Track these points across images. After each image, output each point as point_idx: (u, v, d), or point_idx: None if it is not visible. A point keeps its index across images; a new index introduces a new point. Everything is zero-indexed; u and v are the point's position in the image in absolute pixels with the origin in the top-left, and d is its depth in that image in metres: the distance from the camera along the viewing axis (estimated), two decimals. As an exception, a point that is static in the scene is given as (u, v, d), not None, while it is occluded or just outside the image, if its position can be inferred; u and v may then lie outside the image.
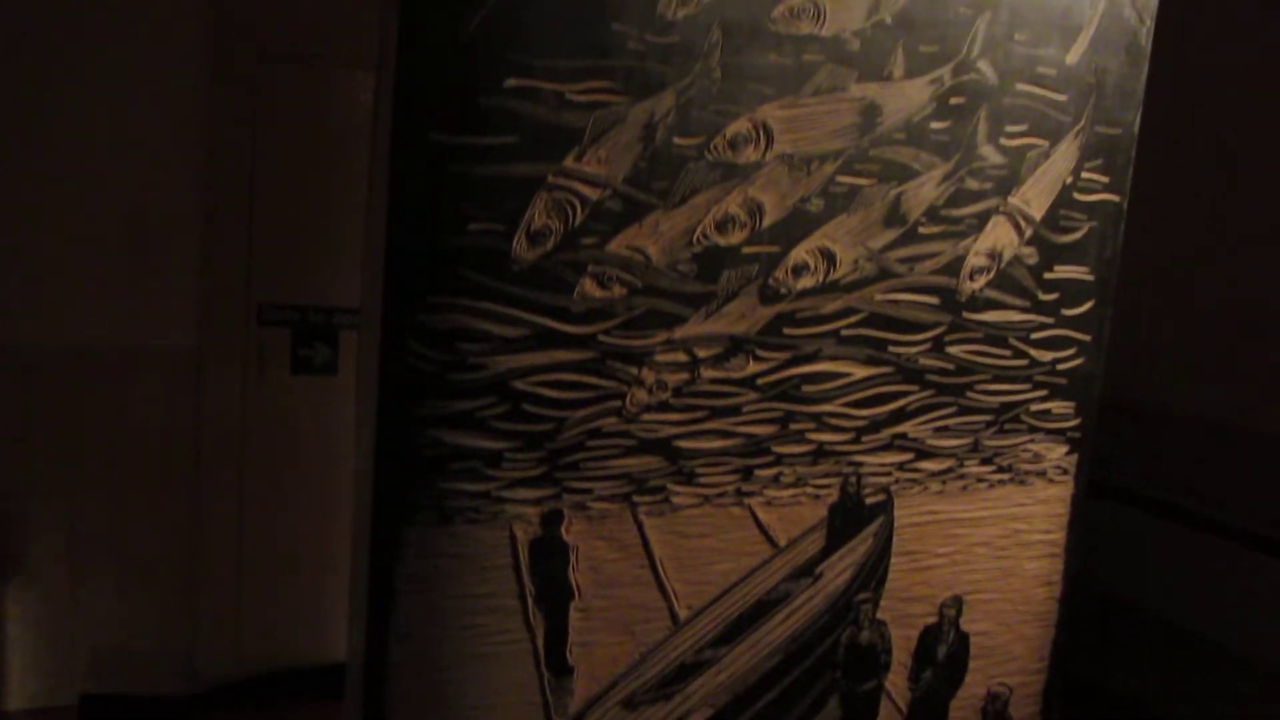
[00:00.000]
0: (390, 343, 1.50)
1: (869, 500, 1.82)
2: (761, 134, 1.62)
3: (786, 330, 1.70)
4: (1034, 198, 1.84)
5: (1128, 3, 1.86)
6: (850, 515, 1.81)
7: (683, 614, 1.71)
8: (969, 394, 1.86)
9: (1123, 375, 2.45)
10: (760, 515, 1.74)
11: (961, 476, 1.89)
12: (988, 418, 1.89)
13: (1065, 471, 1.99)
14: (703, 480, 1.69)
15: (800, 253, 1.68)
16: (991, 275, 1.84)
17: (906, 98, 1.70)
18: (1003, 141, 1.80)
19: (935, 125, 1.73)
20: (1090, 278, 1.93)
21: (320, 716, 2.72)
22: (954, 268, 1.80)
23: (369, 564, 1.55)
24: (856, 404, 1.78)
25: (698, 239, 1.61)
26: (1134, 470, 2.89)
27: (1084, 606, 2.18)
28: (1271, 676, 2.52)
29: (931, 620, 1.92)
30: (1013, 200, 1.83)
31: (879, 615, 1.87)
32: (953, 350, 1.83)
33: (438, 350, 1.50)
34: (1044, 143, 1.83)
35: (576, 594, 1.63)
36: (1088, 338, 1.95)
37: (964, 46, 1.73)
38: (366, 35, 2.72)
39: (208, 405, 2.82)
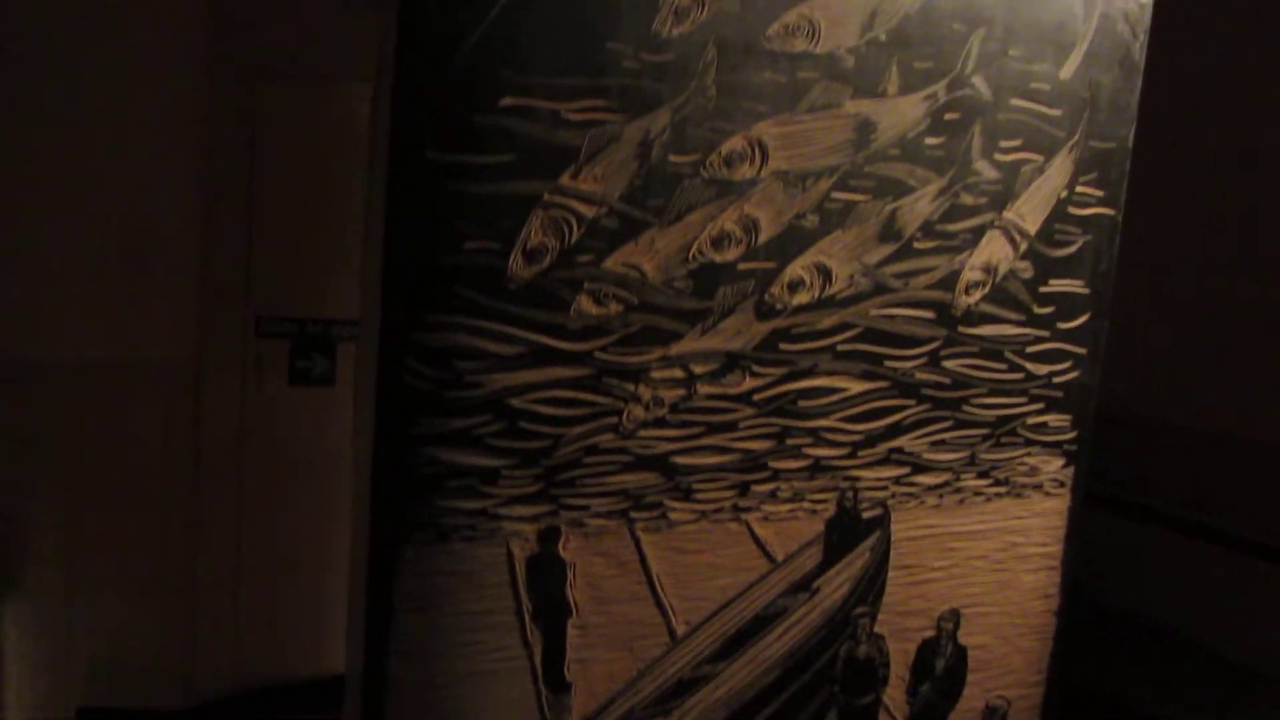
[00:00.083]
0: (387, 360, 1.51)
1: (866, 515, 1.82)
2: (757, 151, 1.63)
3: (782, 346, 1.70)
4: (1029, 212, 1.85)
5: (1121, 17, 1.87)
6: (847, 530, 1.81)
7: (680, 630, 1.71)
8: (965, 408, 1.87)
9: (1119, 386, 2.46)
10: (757, 530, 1.74)
11: (958, 490, 1.89)
12: (984, 431, 1.90)
13: (1062, 484, 1.99)
14: (700, 496, 1.69)
15: (796, 269, 1.69)
16: (987, 290, 1.84)
17: (901, 114, 1.71)
18: (997, 156, 1.80)
19: (930, 141, 1.74)
20: (1085, 291, 1.93)
21: (318, 731, 2.72)
22: (949, 282, 1.81)
23: (367, 582, 1.55)
24: (853, 419, 1.78)
25: (693, 256, 1.62)
26: (1130, 479, 2.90)
27: (1081, 615, 2.19)
28: (1271, 683, 2.52)
29: (929, 634, 1.92)
30: (1008, 215, 1.83)
31: (876, 629, 1.87)
32: (948, 364, 1.84)
33: (434, 368, 1.50)
34: (1038, 157, 1.84)
35: (574, 611, 1.63)
36: (1083, 351, 1.96)
37: (958, 63, 1.74)
38: (363, 47, 2.74)
39: (206, 417, 2.82)
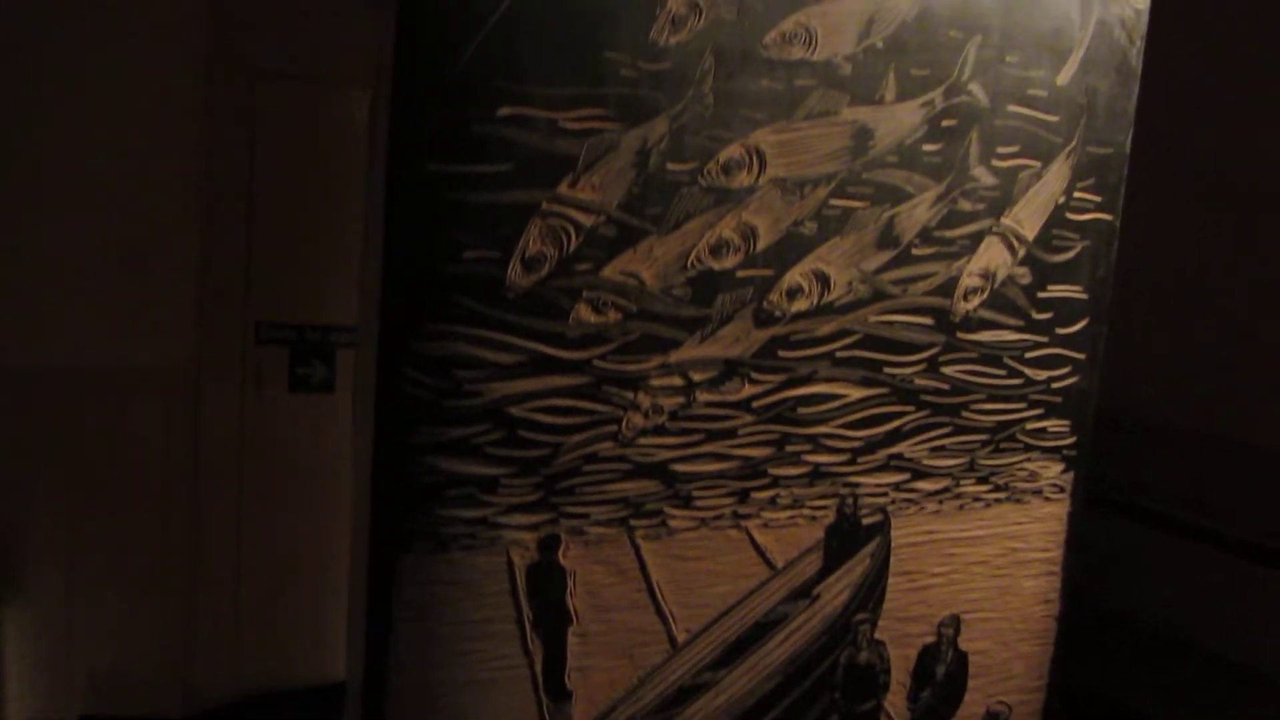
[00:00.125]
0: (386, 369, 1.51)
1: (866, 521, 1.82)
2: (754, 159, 1.63)
3: (781, 353, 1.70)
4: (1026, 218, 1.85)
5: (1117, 23, 1.87)
6: (847, 536, 1.81)
7: (681, 637, 1.71)
8: (964, 414, 1.87)
9: (1119, 389, 2.46)
10: (757, 537, 1.74)
11: (958, 496, 1.90)
12: (983, 437, 1.90)
13: (1062, 489, 1.99)
14: (699, 503, 1.69)
15: (794, 276, 1.69)
16: (985, 295, 1.85)
17: (898, 121, 1.72)
18: (995, 163, 1.81)
19: (927, 148, 1.74)
20: (1084, 296, 1.94)
21: (319, 738, 2.72)
22: (948, 289, 1.81)
23: (366, 591, 1.55)
24: (852, 425, 1.78)
25: (692, 263, 1.62)
26: (1131, 483, 2.90)
27: (1082, 619, 2.19)
28: (1272, 685, 2.52)
29: (930, 640, 1.92)
30: (1005, 221, 1.84)
31: (877, 635, 1.87)
32: (948, 370, 1.84)
33: (434, 377, 1.50)
34: (1036, 163, 1.84)
35: (574, 619, 1.63)
36: (1082, 356, 1.96)
37: (955, 69, 1.74)
38: (363, 51, 2.75)
39: (205, 424, 2.82)
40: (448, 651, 1.57)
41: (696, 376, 1.65)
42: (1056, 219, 1.88)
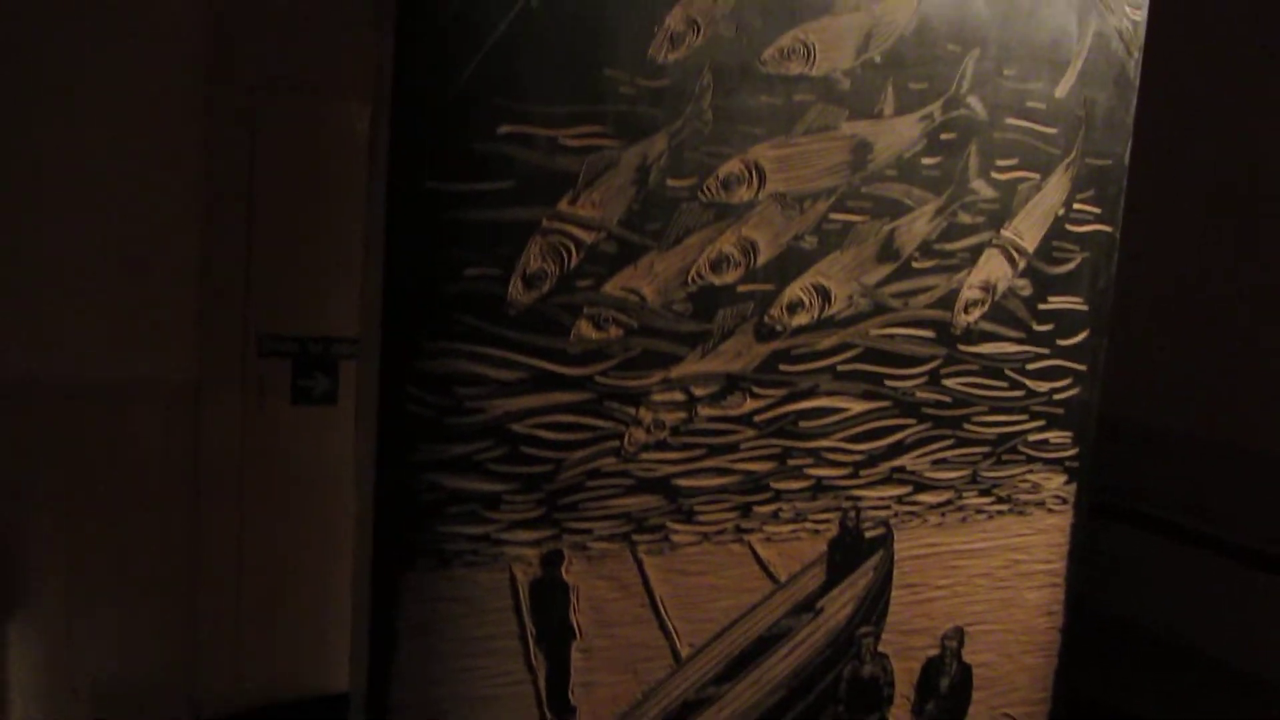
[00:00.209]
0: (388, 387, 1.51)
1: (868, 534, 1.83)
2: (754, 174, 1.63)
3: (783, 367, 1.71)
4: (1026, 230, 1.86)
5: (1115, 35, 1.88)
6: (850, 549, 1.81)
7: (684, 652, 1.71)
8: (966, 426, 1.87)
9: (1120, 396, 2.46)
10: (760, 551, 1.74)
11: (960, 508, 1.90)
12: (985, 449, 1.90)
13: (1064, 501, 1.99)
14: (702, 518, 1.69)
15: (795, 290, 1.70)
16: (986, 308, 1.85)
17: (897, 135, 1.72)
18: (994, 175, 1.81)
19: (926, 161, 1.75)
20: (1085, 308, 1.94)
21: (323, 751, 2.72)
22: (948, 301, 1.81)
23: (369, 607, 1.55)
24: (854, 439, 1.78)
25: (692, 279, 1.62)
26: (1132, 489, 2.90)
27: (1085, 626, 2.18)
28: (1275, 691, 2.51)
29: (933, 652, 1.92)
30: (1005, 233, 1.84)
31: (880, 648, 1.87)
32: (949, 383, 1.84)
33: (435, 394, 1.51)
34: (1035, 175, 1.85)
35: (577, 634, 1.63)
36: (1083, 367, 1.96)
37: (953, 83, 1.75)
38: (363, 64, 2.75)
39: (207, 437, 2.82)
40: (450, 668, 1.57)
41: (698, 391, 1.66)
42: (1056, 231, 1.89)
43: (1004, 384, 1.89)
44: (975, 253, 1.82)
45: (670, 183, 1.58)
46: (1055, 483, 1.98)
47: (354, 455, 1.74)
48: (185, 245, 2.75)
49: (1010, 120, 1.80)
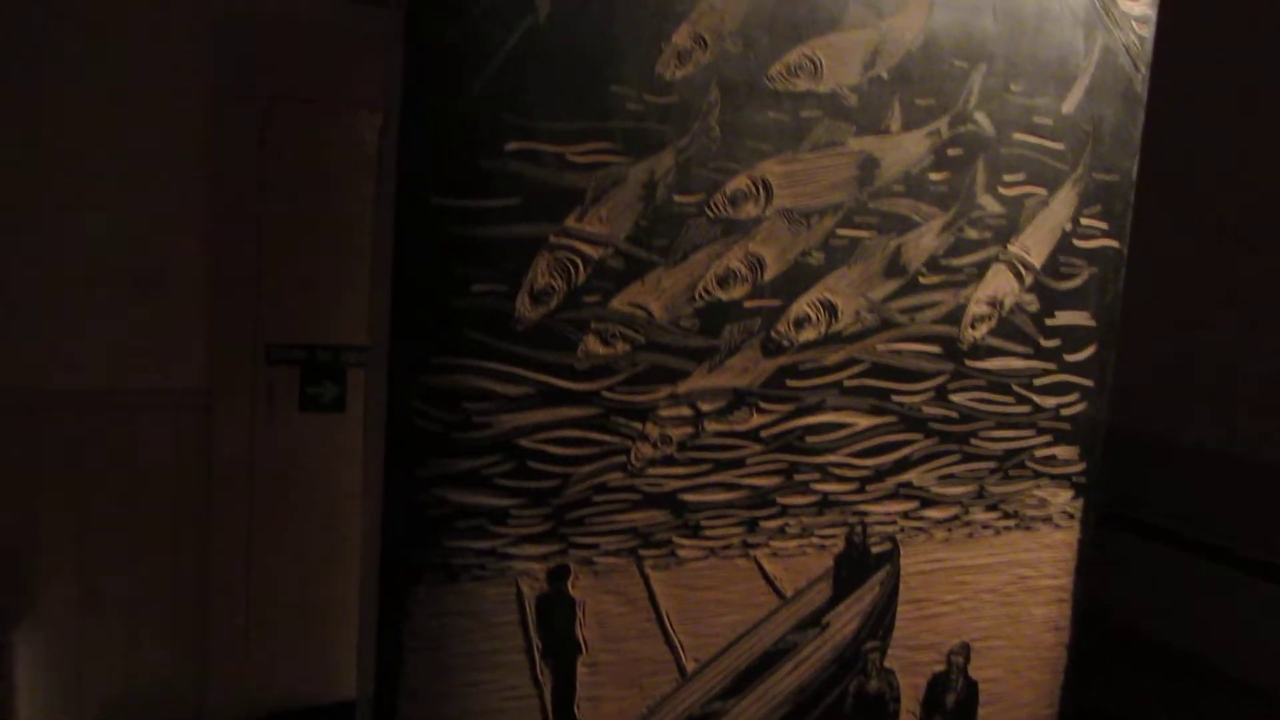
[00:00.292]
0: (396, 403, 1.52)
1: (875, 549, 1.82)
2: (761, 190, 1.64)
3: (789, 382, 1.71)
4: (1033, 245, 1.86)
5: (1123, 50, 1.88)
6: (856, 565, 1.81)
7: (690, 667, 1.71)
8: (973, 441, 1.87)
9: (1126, 407, 2.45)
10: (766, 566, 1.74)
11: (967, 524, 1.89)
12: (992, 464, 1.90)
13: (1071, 516, 1.99)
14: (708, 533, 1.70)
15: (802, 305, 1.70)
16: (993, 323, 1.85)
17: (904, 150, 1.72)
18: (1001, 190, 1.81)
19: (933, 176, 1.75)
20: (1092, 323, 1.94)
21: (330, 761, 2.72)
22: (955, 316, 1.81)
23: (377, 621, 1.56)
24: (861, 454, 1.78)
25: (699, 294, 1.63)
26: (1140, 500, 2.89)
27: (1091, 636, 2.17)
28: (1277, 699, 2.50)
29: (940, 668, 1.91)
30: (1012, 248, 1.84)
31: (887, 664, 1.87)
32: (956, 398, 1.84)
33: (443, 410, 1.51)
34: (1042, 191, 1.85)
35: (584, 649, 1.63)
36: (1090, 382, 1.95)
37: (960, 99, 1.75)
38: (371, 75, 2.77)
39: (217, 445, 2.84)
40: (458, 682, 1.57)
41: (705, 406, 1.66)
42: (1063, 246, 1.88)
43: (1011, 399, 1.89)
44: (982, 268, 1.82)
45: (678, 199, 1.59)
46: (1062, 498, 1.97)
47: (362, 470, 1.75)
48: (195, 256, 2.77)
49: (1017, 135, 1.81)
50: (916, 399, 1.81)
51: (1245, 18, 2.70)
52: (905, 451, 1.82)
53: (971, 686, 1.93)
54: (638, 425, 1.62)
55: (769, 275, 1.67)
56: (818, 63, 1.65)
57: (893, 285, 1.75)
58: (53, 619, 2.71)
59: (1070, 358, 1.93)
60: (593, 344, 1.57)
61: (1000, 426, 1.89)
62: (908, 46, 1.70)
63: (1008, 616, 1.95)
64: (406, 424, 1.51)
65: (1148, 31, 1.89)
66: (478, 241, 1.49)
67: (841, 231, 1.70)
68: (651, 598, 1.67)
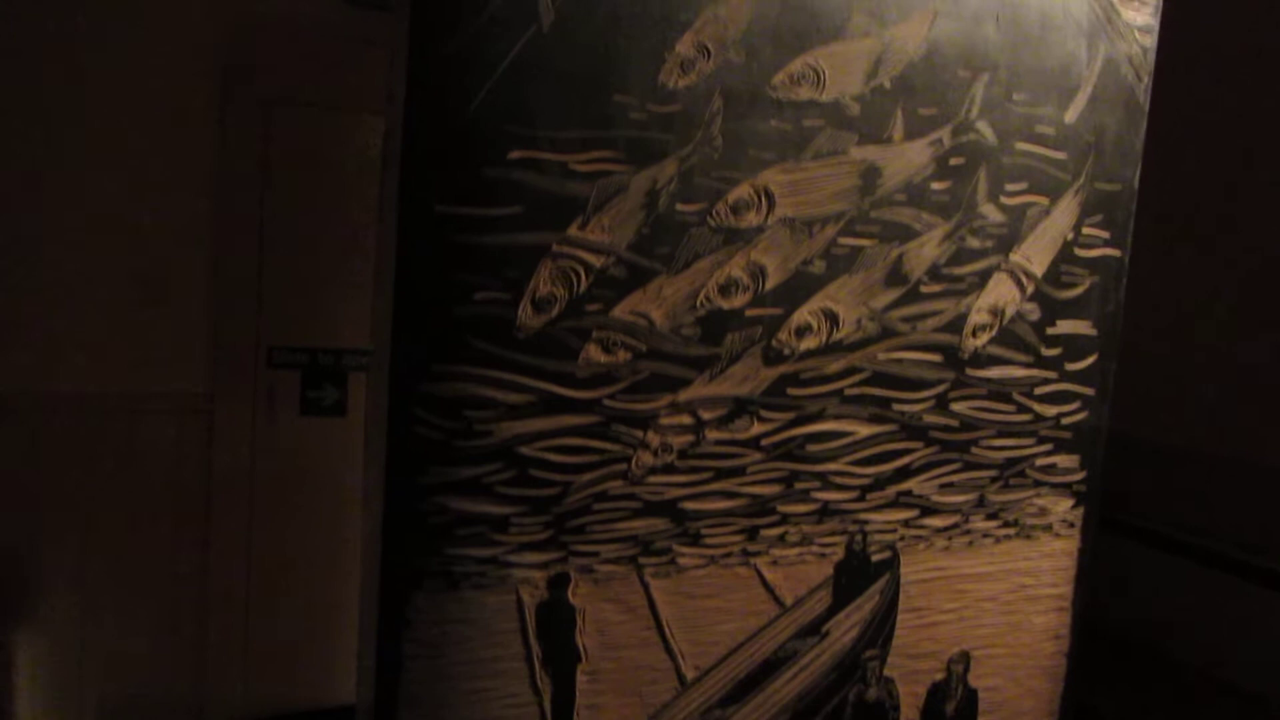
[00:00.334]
0: (398, 410, 1.52)
1: (875, 557, 1.82)
2: (763, 198, 1.64)
3: (790, 391, 1.71)
4: (1035, 254, 1.86)
5: (1125, 61, 1.88)
6: (856, 573, 1.81)
7: (690, 675, 1.71)
8: (973, 450, 1.87)
9: (1127, 411, 2.45)
10: (766, 575, 1.74)
11: (967, 532, 1.89)
12: (993, 473, 1.90)
13: (1072, 525, 1.99)
14: (708, 541, 1.70)
15: (803, 314, 1.70)
16: (994, 332, 1.85)
17: (907, 159, 1.72)
18: (1003, 200, 1.81)
19: (935, 186, 1.75)
20: (1093, 332, 1.94)
21: (329, 765, 2.72)
22: (956, 325, 1.82)
23: (377, 628, 1.56)
24: (861, 462, 1.78)
25: (701, 303, 1.63)
26: (1140, 505, 2.88)
27: (1092, 642, 2.17)
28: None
29: (939, 676, 1.91)
30: (1014, 257, 1.84)
31: (886, 672, 1.87)
32: (956, 407, 1.84)
33: (445, 417, 1.51)
34: (1044, 200, 1.85)
35: (583, 657, 1.63)
36: (1091, 391, 1.96)
37: (963, 108, 1.75)
38: (374, 79, 2.78)
39: (217, 447, 2.84)
40: (458, 689, 1.57)
41: (706, 415, 1.66)
42: (1065, 255, 1.89)
43: (1012, 408, 1.89)
44: (984, 277, 1.82)
45: (680, 207, 1.59)
46: (1063, 507, 1.98)
47: (363, 477, 1.75)
48: (197, 258, 2.78)
49: (1019, 145, 1.81)
50: (917, 407, 1.81)
51: (1247, 27, 2.70)
52: (906, 460, 1.82)
53: (971, 695, 1.94)
54: (639, 433, 1.62)
55: (770, 284, 1.67)
56: (820, 72, 1.65)
57: (894, 294, 1.76)
58: (53, 622, 2.71)
59: (1071, 366, 1.93)
60: (594, 352, 1.57)
61: (1001, 435, 1.89)
62: (910, 56, 1.70)
63: (1008, 625, 1.95)
64: (408, 431, 1.51)
65: (1150, 41, 1.90)
66: (480, 249, 1.49)
67: (843, 240, 1.70)
68: (651, 605, 1.67)
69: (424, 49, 1.46)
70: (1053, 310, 1.89)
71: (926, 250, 1.76)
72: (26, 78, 2.59)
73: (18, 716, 2.71)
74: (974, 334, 1.83)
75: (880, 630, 1.84)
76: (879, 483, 1.80)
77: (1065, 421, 1.94)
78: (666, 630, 1.68)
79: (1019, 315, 1.87)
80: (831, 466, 1.76)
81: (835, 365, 1.73)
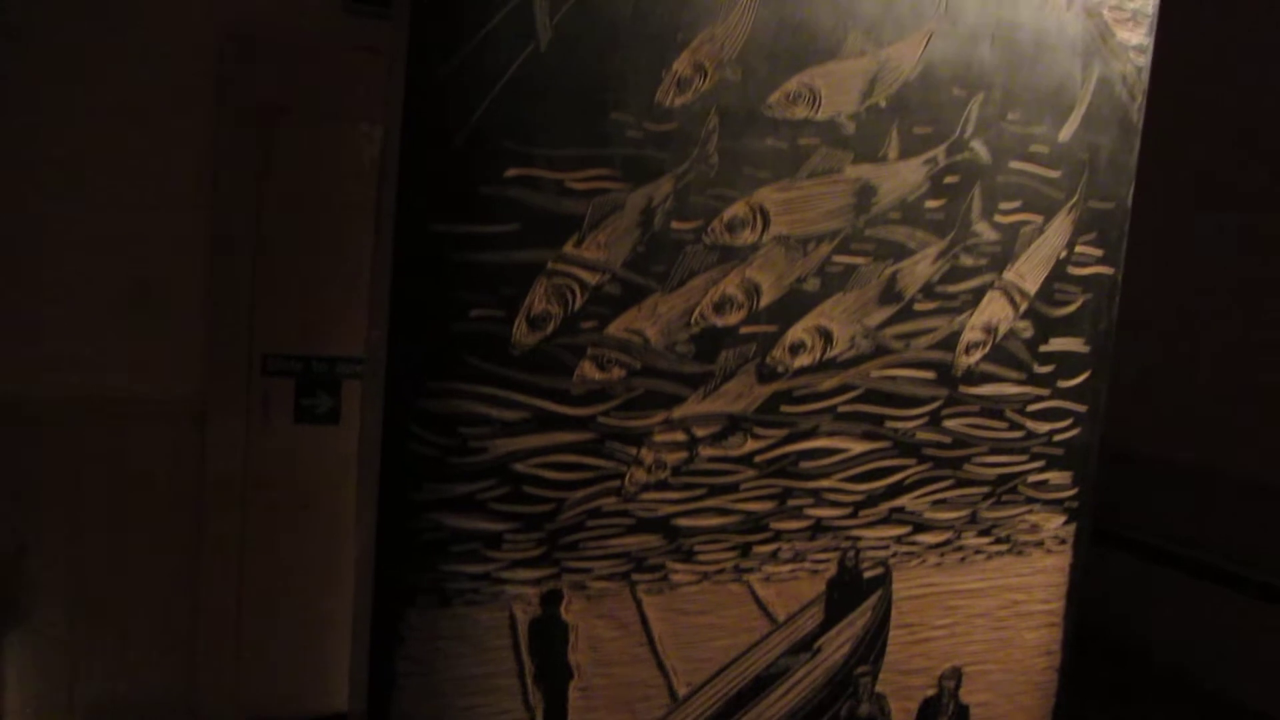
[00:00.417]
0: (392, 427, 1.52)
1: (867, 574, 1.83)
2: (758, 217, 1.65)
3: (784, 408, 1.72)
4: (1028, 272, 1.86)
5: (1119, 80, 1.89)
6: (849, 589, 1.82)
7: (682, 691, 1.71)
8: (966, 467, 1.88)
9: (1123, 425, 2.46)
10: (759, 591, 1.75)
11: (960, 549, 1.90)
12: (985, 490, 1.90)
13: (1063, 542, 2.00)
14: (701, 557, 1.70)
15: (797, 332, 1.70)
16: (987, 349, 1.86)
17: (901, 178, 1.73)
18: (997, 218, 1.82)
19: (930, 204, 1.76)
20: (1086, 349, 1.95)
21: (321, 773, 2.72)
22: (950, 343, 1.82)
23: (370, 645, 1.56)
24: (854, 479, 1.79)
25: (696, 320, 1.63)
26: (1134, 518, 2.90)
27: (1087, 654, 2.18)
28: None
29: (931, 692, 1.92)
30: (1007, 275, 1.85)
31: (878, 688, 1.87)
32: (949, 424, 1.85)
33: (439, 434, 1.52)
34: (1038, 218, 1.86)
35: (575, 673, 1.64)
36: (1084, 409, 1.96)
37: (957, 127, 1.76)
38: (371, 89, 2.78)
39: (211, 455, 2.84)
40: (451, 706, 1.57)
41: (699, 432, 1.66)
42: (1058, 273, 1.89)
43: (1004, 425, 1.90)
44: (977, 295, 1.83)
45: (675, 225, 1.59)
46: (1054, 523, 1.98)
47: (356, 492, 1.75)
48: (192, 267, 2.78)
49: (1014, 164, 1.82)
50: (910, 424, 1.82)
51: (1242, 44, 2.71)
52: (898, 477, 1.82)
53: (962, 711, 1.94)
54: (632, 450, 1.62)
55: (765, 301, 1.67)
56: (816, 91, 1.65)
57: (888, 311, 1.76)
58: (45, 626, 2.70)
59: (1064, 384, 1.94)
60: (589, 369, 1.58)
61: (993, 452, 1.90)
62: (906, 75, 1.71)
63: (999, 641, 1.95)
64: (402, 447, 1.51)
65: (1144, 61, 1.91)
66: (476, 267, 1.50)
67: (838, 258, 1.71)
68: (644, 622, 1.67)
69: (422, 65, 1.46)
70: (1046, 328, 1.90)
71: (920, 268, 1.77)
72: (25, 86, 2.59)
73: (7, 717, 2.70)
74: (967, 351, 1.84)
75: (872, 646, 1.85)
76: (872, 499, 1.81)
77: (1057, 438, 1.95)
78: (659, 647, 1.69)
79: (1012, 333, 1.88)
80: (824, 483, 1.77)
81: (829, 382, 1.74)
